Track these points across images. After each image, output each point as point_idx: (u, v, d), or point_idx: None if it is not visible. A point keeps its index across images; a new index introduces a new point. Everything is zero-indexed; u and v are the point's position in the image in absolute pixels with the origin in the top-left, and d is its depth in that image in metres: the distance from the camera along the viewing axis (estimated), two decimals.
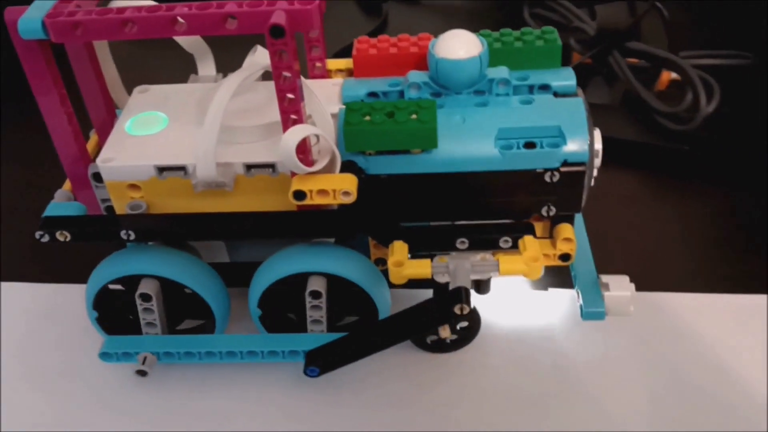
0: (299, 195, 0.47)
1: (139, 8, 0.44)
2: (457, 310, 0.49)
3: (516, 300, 0.61)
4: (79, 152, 0.51)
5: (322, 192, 0.47)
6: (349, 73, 0.57)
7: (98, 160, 0.50)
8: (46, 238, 0.50)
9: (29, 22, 0.44)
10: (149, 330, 0.54)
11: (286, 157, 0.45)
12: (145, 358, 0.53)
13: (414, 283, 0.50)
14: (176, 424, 0.54)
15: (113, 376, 0.56)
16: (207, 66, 0.58)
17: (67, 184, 0.55)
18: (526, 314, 0.60)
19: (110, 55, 0.56)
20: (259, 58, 0.54)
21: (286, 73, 0.44)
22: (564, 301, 0.61)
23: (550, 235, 0.53)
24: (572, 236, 0.52)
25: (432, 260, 0.50)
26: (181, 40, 0.55)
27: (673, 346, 0.57)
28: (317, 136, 0.49)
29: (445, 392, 0.55)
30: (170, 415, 0.54)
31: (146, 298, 0.51)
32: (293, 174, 0.48)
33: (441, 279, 0.51)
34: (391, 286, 0.54)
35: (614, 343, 0.57)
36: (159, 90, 0.56)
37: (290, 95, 0.45)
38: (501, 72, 0.50)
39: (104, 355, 0.54)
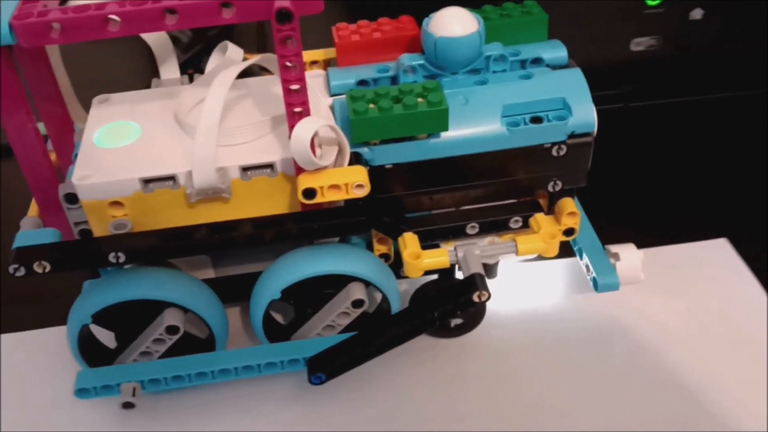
0: (309, 193, 0.44)
1: (121, 2, 0.39)
2: (476, 298, 0.47)
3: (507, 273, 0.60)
4: (48, 172, 0.46)
5: (334, 187, 0.44)
6: (326, 64, 0.54)
7: (74, 179, 0.45)
8: (21, 272, 0.44)
9: None
10: (140, 359, 0.49)
11: (300, 152, 0.42)
12: (132, 389, 0.48)
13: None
14: None
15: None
16: (170, 68, 0.54)
17: (33, 209, 0.49)
18: (521, 288, 0.59)
19: (62, 62, 0.50)
20: (233, 55, 0.50)
21: (292, 62, 0.41)
22: (558, 272, 0.60)
23: (550, 211, 0.53)
24: (576, 210, 0.51)
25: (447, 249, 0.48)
26: (149, 38, 0.50)
27: (667, 302, 0.57)
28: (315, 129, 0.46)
29: (455, 375, 0.53)
30: None
31: (173, 330, 0.47)
32: (298, 171, 0.45)
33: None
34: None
35: (608, 307, 0.57)
36: (121, 98, 0.52)
37: (295, 86, 0.42)
38: (496, 48, 0.49)
39: (81, 392, 0.48)
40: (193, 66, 0.81)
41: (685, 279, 0.59)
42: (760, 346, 0.53)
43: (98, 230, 0.46)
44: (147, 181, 0.45)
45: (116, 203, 0.45)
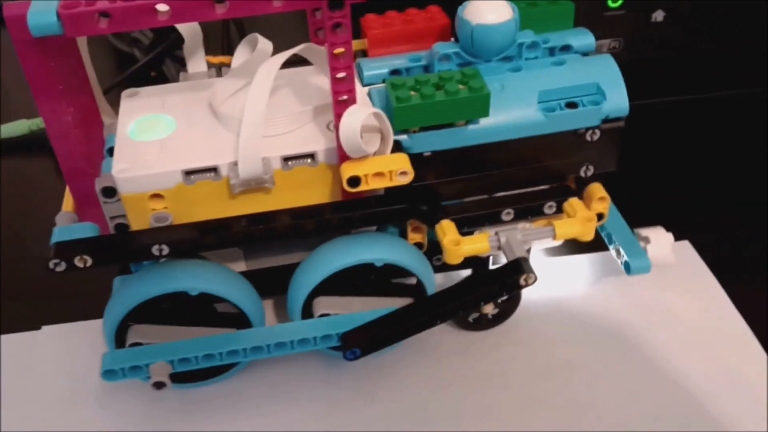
0: (354, 181, 0.44)
1: None
2: (522, 281, 0.47)
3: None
4: (86, 164, 0.45)
5: (378, 175, 0.44)
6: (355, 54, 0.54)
7: (114, 172, 0.44)
8: (62, 267, 0.44)
9: (41, 15, 0.38)
10: None
11: (350, 140, 0.42)
12: (163, 369, 0.47)
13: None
14: None
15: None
16: (197, 62, 0.53)
17: (67, 204, 0.48)
18: (551, 281, 0.60)
19: (89, 55, 0.50)
20: (264, 47, 0.50)
21: (341, 49, 0.41)
22: (579, 265, 0.61)
23: (579, 196, 0.53)
24: (606, 195, 0.52)
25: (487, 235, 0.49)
26: (184, 29, 0.50)
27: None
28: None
29: (485, 370, 0.53)
30: None
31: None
32: (342, 160, 0.45)
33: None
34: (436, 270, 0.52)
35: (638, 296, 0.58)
36: (151, 91, 0.51)
37: (342, 74, 0.42)
38: (529, 35, 0.49)
39: (108, 374, 0.47)
40: (154, 68, 0.80)
41: (648, 281, 0.56)
42: (727, 344, 0.54)
43: (136, 224, 0.46)
44: (189, 173, 0.45)
45: (157, 196, 0.45)
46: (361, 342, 0.48)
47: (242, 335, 0.48)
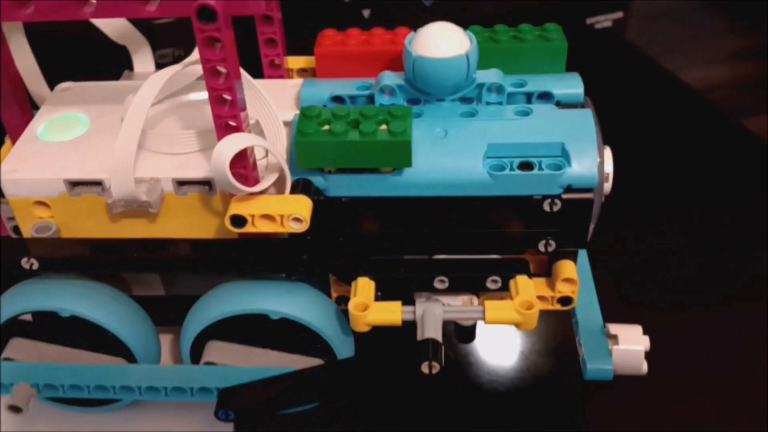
0: (238, 221, 0.38)
1: None
2: (424, 368, 0.39)
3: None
4: None
5: (267, 217, 0.38)
6: (314, 73, 0.48)
7: (2, 171, 0.41)
8: None
9: None
10: None
11: (219, 172, 0.36)
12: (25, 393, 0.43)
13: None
14: None
15: None
16: (144, 61, 0.49)
17: None
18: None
19: (26, 41, 0.46)
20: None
21: (221, 68, 0.35)
22: None
23: (548, 273, 0.44)
24: (574, 276, 0.43)
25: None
26: (107, 28, 0.46)
27: None
28: (266, 149, 0.40)
29: None
30: None
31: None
32: (232, 194, 0.39)
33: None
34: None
35: None
36: (83, 88, 0.47)
37: (226, 96, 0.36)
38: (493, 76, 0.41)
39: None
40: None
41: None
42: None
43: (25, 230, 0.42)
44: (74, 184, 0.40)
45: (41, 203, 0.41)
46: (237, 406, 0.42)
47: (121, 371, 0.44)
